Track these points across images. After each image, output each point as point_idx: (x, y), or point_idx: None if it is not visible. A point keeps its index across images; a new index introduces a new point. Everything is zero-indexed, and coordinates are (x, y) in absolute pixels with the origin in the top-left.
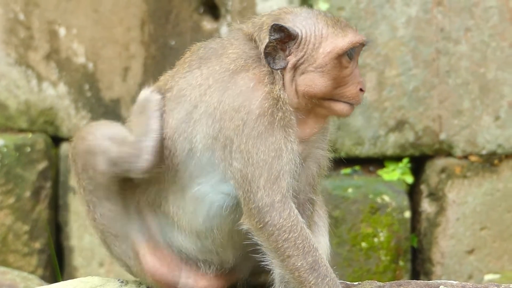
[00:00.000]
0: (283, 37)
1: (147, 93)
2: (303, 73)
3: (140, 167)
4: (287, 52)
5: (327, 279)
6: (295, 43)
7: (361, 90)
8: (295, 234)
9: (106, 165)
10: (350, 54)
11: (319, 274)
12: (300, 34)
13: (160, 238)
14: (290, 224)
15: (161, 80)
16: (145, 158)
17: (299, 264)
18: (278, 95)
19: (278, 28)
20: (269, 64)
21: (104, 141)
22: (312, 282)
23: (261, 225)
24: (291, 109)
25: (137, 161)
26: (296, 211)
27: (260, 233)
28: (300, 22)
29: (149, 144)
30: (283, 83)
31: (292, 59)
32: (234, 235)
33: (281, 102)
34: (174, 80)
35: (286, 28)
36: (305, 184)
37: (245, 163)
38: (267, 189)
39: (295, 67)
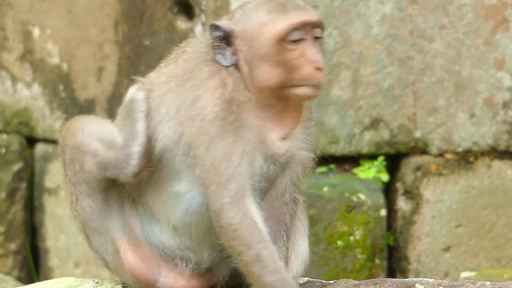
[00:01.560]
0: (223, 35)
1: (133, 93)
2: (255, 67)
3: (128, 172)
4: (232, 49)
5: (270, 270)
6: (237, 39)
7: (317, 69)
8: (244, 233)
9: (94, 167)
10: (294, 36)
11: (265, 266)
12: (236, 29)
13: (141, 235)
14: (240, 225)
15: (149, 76)
16: (133, 164)
17: (249, 260)
18: (231, 96)
19: (214, 27)
20: (219, 63)
21: (93, 141)
22: (256, 273)
23: (218, 228)
24: (252, 107)
25: (125, 167)
26: (250, 212)
27: (220, 235)
28: (244, 16)
29: (136, 150)
30: (244, 81)
31: (240, 55)
32: (211, 233)
33: (234, 105)
34: (157, 77)
35: (220, 26)
36: (290, 184)
37: (201, 169)
38: (218, 193)
39: (246, 62)
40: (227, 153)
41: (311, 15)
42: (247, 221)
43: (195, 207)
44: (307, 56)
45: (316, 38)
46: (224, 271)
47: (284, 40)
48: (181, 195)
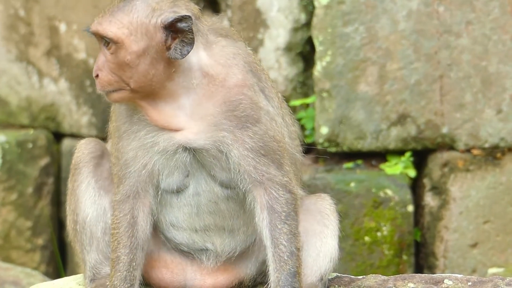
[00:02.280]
0: None
1: None
2: None
3: None
4: None
5: (118, 274)
6: None
7: (97, 76)
8: (117, 231)
9: None
10: (99, 40)
11: (116, 269)
12: None
13: (163, 239)
14: (117, 222)
15: None
16: None
17: (112, 256)
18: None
19: None
20: None
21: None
22: (111, 274)
23: None
24: (139, 105)
25: None
26: (127, 213)
27: None
28: None
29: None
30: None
31: None
32: (210, 221)
33: (122, 107)
34: None
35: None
36: (240, 167)
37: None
38: (115, 192)
39: None
40: (120, 155)
41: (94, 25)
42: (125, 224)
43: (190, 201)
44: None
45: (106, 45)
46: (249, 266)
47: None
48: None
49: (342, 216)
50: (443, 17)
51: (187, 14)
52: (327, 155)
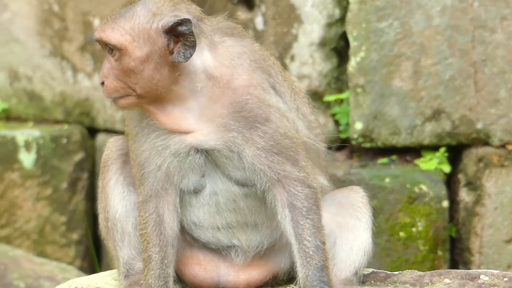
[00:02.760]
0: None
1: None
2: None
3: None
4: None
5: (151, 272)
6: None
7: (103, 83)
8: (145, 231)
9: None
10: (103, 47)
11: (149, 268)
12: None
13: (189, 239)
14: (143, 222)
15: None
16: None
17: (144, 256)
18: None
19: None
20: None
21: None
22: (145, 273)
23: None
24: (147, 110)
25: None
26: (152, 212)
27: None
28: None
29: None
30: None
31: None
32: (233, 217)
33: (132, 111)
34: None
35: None
36: (254, 166)
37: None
38: (138, 193)
39: None
40: (138, 155)
41: (97, 32)
42: (151, 224)
43: (208, 200)
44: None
45: (110, 52)
46: (282, 260)
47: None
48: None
49: (377, 211)
50: (478, 12)
51: (187, 17)
52: (361, 150)
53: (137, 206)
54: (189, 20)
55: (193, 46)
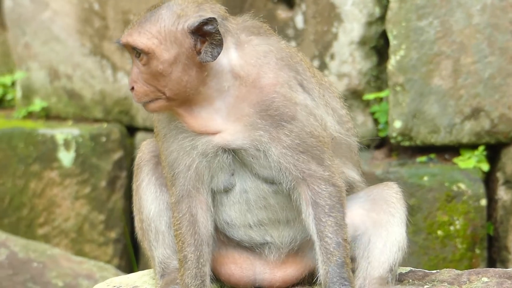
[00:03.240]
0: None
1: None
2: None
3: None
4: None
5: (188, 272)
6: None
7: (132, 88)
8: (179, 231)
9: None
10: (131, 52)
11: (185, 268)
12: None
13: (223, 239)
14: (178, 223)
15: None
16: None
17: (179, 256)
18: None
19: None
20: None
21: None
22: (181, 273)
23: None
24: (176, 112)
25: None
26: (185, 212)
27: None
28: None
29: None
30: None
31: None
32: (264, 214)
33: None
34: None
35: None
36: (280, 165)
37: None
38: (170, 194)
39: None
40: (168, 156)
41: (124, 37)
42: (186, 224)
43: (238, 199)
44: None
45: (137, 56)
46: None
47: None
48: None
49: (415, 210)
50: None
51: (212, 16)
52: (400, 149)
53: (171, 207)
54: (214, 18)
55: (220, 44)
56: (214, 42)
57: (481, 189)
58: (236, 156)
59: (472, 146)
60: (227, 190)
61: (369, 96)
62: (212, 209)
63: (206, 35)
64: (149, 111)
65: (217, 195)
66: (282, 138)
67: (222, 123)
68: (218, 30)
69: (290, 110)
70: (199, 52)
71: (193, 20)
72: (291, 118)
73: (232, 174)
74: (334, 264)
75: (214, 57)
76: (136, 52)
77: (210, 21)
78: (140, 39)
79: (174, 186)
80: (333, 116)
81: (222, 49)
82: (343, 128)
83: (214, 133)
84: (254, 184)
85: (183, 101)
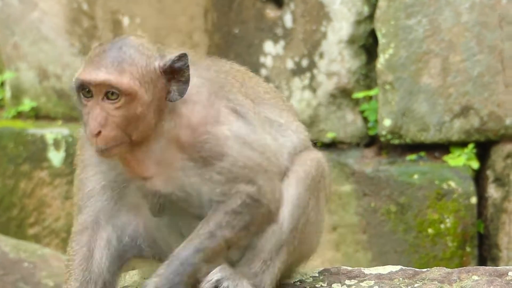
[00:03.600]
0: None
1: None
2: None
3: None
4: None
5: None
6: None
7: (96, 134)
8: (71, 263)
9: None
10: (83, 91)
11: None
12: None
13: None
14: (73, 253)
15: None
16: None
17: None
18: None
19: None
20: None
21: None
22: None
23: None
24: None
25: None
26: (83, 245)
27: None
28: None
29: None
30: None
31: None
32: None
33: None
34: None
35: None
36: (211, 202)
37: None
38: (74, 223)
39: None
40: (77, 187)
41: (93, 75)
42: (79, 256)
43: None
44: (90, 116)
45: (110, 98)
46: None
47: (78, 92)
48: None
49: (406, 208)
50: (506, 8)
51: (183, 52)
52: (390, 147)
53: (71, 235)
54: (185, 54)
55: (187, 81)
56: (182, 79)
57: (471, 187)
58: (166, 198)
59: (462, 144)
60: (155, 218)
61: (359, 95)
62: (112, 249)
63: (175, 72)
64: (106, 157)
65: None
66: (214, 177)
67: (154, 168)
68: (188, 66)
69: (222, 148)
70: (169, 92)
71: (165, 58)
72: (223, 155)
73: (161, 211)
74: (191, 245)
75: (182, 95)
76: (108, 93)
77: (181, 57)
78: (122, 80)
79: (81, 214)
80: (275, 128)
81: (189, 85)
82: (286, 138)
83: (145, 178)
84: (184, 219)
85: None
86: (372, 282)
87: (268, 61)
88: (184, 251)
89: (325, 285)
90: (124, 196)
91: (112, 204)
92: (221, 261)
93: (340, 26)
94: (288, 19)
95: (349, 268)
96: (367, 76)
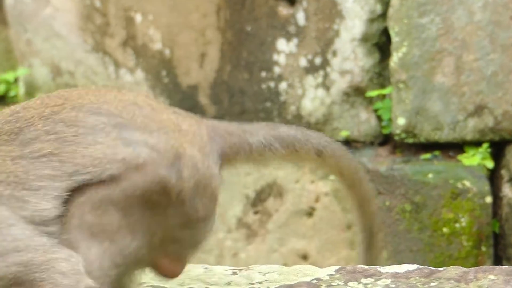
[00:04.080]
0: None
1: None
2: None
3: None
4: None
5: None
6: None
7: None
8: None
9: None
10: None
11: None
12: None
13: None
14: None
15: None
16: None
17: None
18: None
19: None
20: None
21: None
22: None
23: None
24: None
25: None
26: None
27: None
28: None
29: None
30: None
31: None
32: None
33: None
34: None
35: None
36: None
37: None
38: None
39: None
40: None
41: None
42: None
43: None
44: None
45: None
46: None
47: None
48: None
49: (420, 207)
50: None
51: None
52: (404, 146)
53: None
54: None
55: None
56: None
57: (486, 187)
58: None
59: (476, 143)
60: None
61: (372, 93)
62: None
63: None
64: None
65: None
66: None
67: None
68: None
69: None
70: None
71: None
72: None
73: None
74: None
75: None
76: None
77: None
78: None
79: None
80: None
81: None
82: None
83: None
84: None
85: None
86: (388, 281)
87: (281, 58)
88: None
89: (342, 283)
90: None
91: None
92: None
93: (353, 24)
94: (300, 17)
95: (365, 267)
96: (381, 74)
